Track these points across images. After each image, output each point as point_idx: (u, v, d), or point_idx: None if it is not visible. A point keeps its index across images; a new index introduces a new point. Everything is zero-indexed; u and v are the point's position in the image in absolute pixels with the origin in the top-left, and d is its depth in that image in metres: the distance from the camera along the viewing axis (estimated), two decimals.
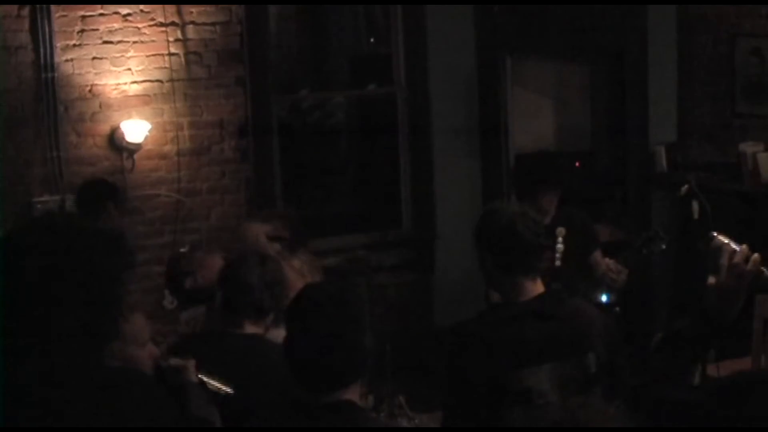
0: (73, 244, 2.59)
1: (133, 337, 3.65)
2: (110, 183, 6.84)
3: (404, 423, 6.58)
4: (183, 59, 7.43)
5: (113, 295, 2.63)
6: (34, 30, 7.03)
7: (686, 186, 7.19)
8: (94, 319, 2.56)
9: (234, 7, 7.53)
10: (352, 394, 2.91)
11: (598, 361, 3.67)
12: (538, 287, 3.73)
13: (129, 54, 7.28)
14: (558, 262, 6.14)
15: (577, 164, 8.38)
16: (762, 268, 2.91)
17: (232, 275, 4.21)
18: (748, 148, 7.98)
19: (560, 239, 6.15)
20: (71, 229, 2.67)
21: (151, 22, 7.31)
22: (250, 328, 4.12)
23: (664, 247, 6.09)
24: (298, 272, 5.59)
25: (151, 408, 2.62)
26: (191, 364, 3.66)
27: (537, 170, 6.30)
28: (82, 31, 7.15)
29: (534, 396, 3.58)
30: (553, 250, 6.14)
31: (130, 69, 7.30)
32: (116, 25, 7.22)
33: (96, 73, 7.21)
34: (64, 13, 7.10)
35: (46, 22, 7.03)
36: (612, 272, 6.09)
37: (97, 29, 7.17)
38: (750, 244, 3.00)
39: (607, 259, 6.19)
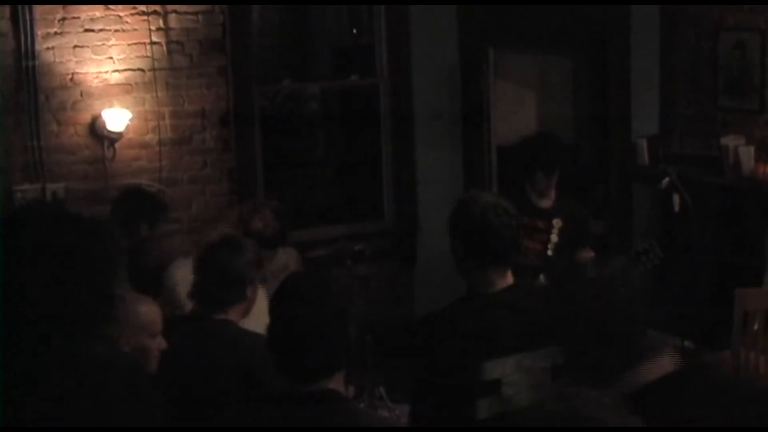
0: (59, 231, 2.59)
1: (147, 326, 3.66)
2: (151, 198, 6.38)
3: (384, 413, 6.59)
4: (165, 48, 7.40)
5: (102, 281, 2.62)
6: (14, 17, 6.98)
7: (668, 179, 7.21)
8: (82, 305, 2.56)
9: None
10: (336, 384, 2.91)
11: (566, 352, 3.66)
12: (507, 279, 3.70)
13: (110, 42, 7.24)
14: (550, 252, 6.14)
15: None
16: None
17: (208, 259, 4.18)
18: (730, 141, 8.01)
19: (555, 230, 6.14)
20: (58, 215, 2.67)
21: (133, 11, 7.27)
22: (222, 315, 4.10)
23: (657, 263, 6.02)
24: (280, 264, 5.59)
25: (136, 395, 2.62)
26: None
27: (535, 150, 6.27)
28: (64, 19, 7.10)
29: (503, 387, 3.57)
30: (548, 238, 6.13)
31: (111, 58, 7.26)
32: (98, 14, 7.18)
33: (77, 62, 7.17)
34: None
35: (27, 9, 6.97)
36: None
37: (79, 17, 7.13)
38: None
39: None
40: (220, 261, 4.12)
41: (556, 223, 6.15)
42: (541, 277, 6.06)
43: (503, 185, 8.22)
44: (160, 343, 3.71)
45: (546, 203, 6.20)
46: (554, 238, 6.16)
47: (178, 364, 3.85)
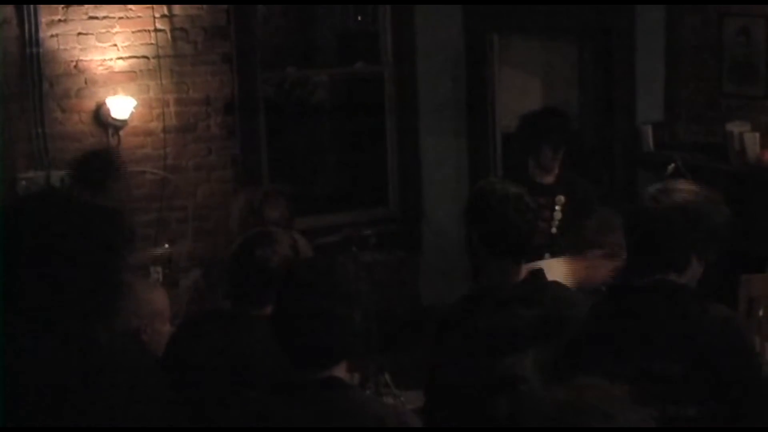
0: (68, 218, 2.58)
1: (162, 312, 3.67)
2: (106, 156, 6.16)
3: (390, 400, 6.60)
4: (169, 35, 7.39)
5: (110, 270, 2.62)
6: (18, 5, 6.98)
7: (673, 165, 7.19)
8: (87, 294, 2.55)
9: None
10: (341, 371, 2.90)
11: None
12: (522, 272, 3.63)
13: (115, 30, 7.23)
14: (554, 230, 6.11)
15: None
16: None
17: (245, 255, 4.10)
18: (735, 127, 8.00)
19: (558, 207, 6.11)
20: (67, 203, 2.66)
21: None
22: (260, 311, 4.05)
23: None
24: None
25: (142, 387, 2.62)
26: None
27: (541, 124, 6.22)
28: (68, 6, 7.09)
29: (518, 382, 3.54)
30: (551, 216, 6.10)
31: (115, 45, 7.25)
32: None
33: (81, 49, 7.17)
34: None
35: None
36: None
37: (83, 4, 7.12)
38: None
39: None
40: (256, 256, 4.04)
41: (559, 200, 6.11)
42: (547, 255, 6.03)
43: (507, 168, 8.21)
44: (168, 329, 3.72)
45: (549, 179, 6.15)
46: (558, 215, 6.12)
47: (214, 360, 3.82)
